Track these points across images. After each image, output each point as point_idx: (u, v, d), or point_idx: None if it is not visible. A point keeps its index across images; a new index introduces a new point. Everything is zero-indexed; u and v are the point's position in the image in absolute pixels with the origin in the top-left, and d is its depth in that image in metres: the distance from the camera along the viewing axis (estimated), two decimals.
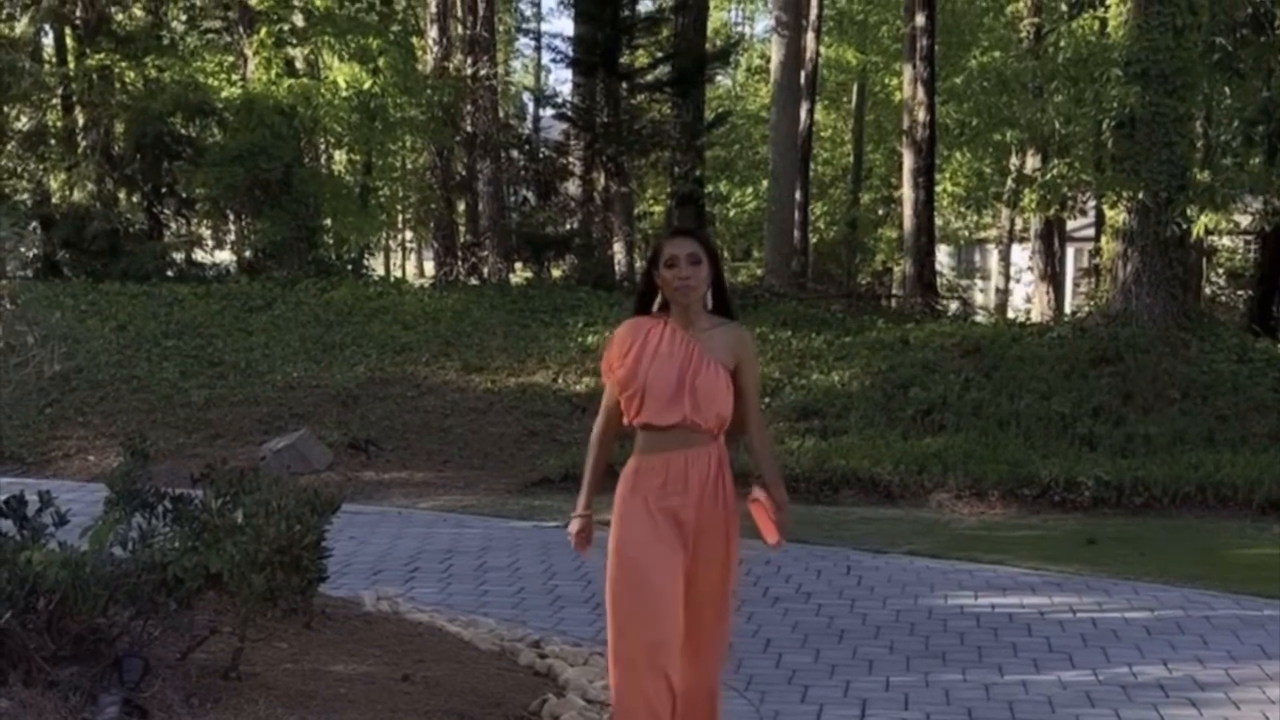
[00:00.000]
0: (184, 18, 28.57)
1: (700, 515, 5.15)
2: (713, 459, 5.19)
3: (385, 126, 26.48)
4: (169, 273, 24.16)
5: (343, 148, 28.99)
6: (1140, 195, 18.51)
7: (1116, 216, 19.29)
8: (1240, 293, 28.19)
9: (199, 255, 27.15)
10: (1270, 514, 13.34)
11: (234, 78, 26.01)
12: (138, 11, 27.21)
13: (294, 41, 24.60)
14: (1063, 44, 22.88)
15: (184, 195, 26.18)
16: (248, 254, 25.48)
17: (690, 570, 5.15)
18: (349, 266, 25.28)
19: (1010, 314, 31.44)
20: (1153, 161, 18.50)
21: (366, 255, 28.26)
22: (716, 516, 5.17)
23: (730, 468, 5.24)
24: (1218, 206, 19.02)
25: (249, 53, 24.50)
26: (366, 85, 24.50)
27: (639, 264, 29.48)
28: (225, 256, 28.19)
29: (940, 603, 9.31)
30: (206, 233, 28.06)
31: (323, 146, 28.73)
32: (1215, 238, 25.64)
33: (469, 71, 27.00)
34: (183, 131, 25.82)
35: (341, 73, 24.79)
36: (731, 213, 36.86)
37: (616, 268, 25.90)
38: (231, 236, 27.98)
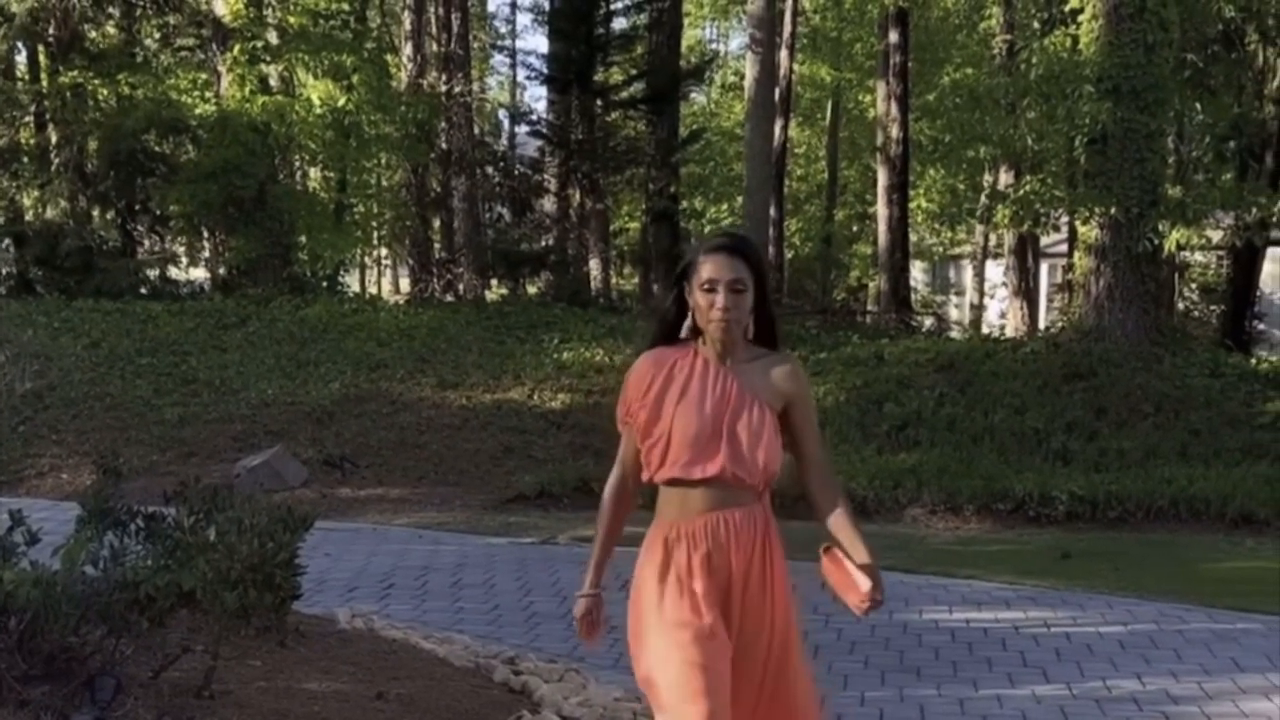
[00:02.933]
0: (157, 35, 28.50)
1: (746, 589, 4.19)
2: (758, 523, 4.21)
3: (360, 143, 26.47)
4: (143, 290, 24.08)
5: (317, 165, 28.99)
6: (1112, 211, 18.61)
7: (1089, 232, 19.38)
8: (1213, 308, 28.31)
9: (173, 272, 27.09)
10: (1243, 528, 13.41)
11: (208, 95, 25.97)
12: (111, 29, 27.16)
13: (268, 59, 24.57)
14: (1035, 61, 22.98)
15: (158, 212, 26.09)
16: (222, 271, 25.43)
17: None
18: (324, 283, 25.25)
19: (985, 329, 31.52)
20: (1125, 177, 18.60)
21: (341, 272, 28.24)
22: (763, 598, 4.21)
23: (775, 530, 4.28)
24: (1189, 222, 19.14)
25: (223, 70, 24.46)
26: (341, 102, 24.49)
27: (615, 280, 29.56)
28: (199, 274, 28.13)
29: (915, 618, 9.32)
30: (181, 250, 28.02)
31: (297, 163, 28.71)
32: (1187, 253, 25.78)
33: (443, 89, 27.01)
34: (156, 149, 25.75)
35: (316, 90, 24.78)
36: (706, 229, 36.88)
37: (592, 284, 25.91)
38: (206, 254, 27.92)
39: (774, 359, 4.29)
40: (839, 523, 4.28)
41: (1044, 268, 34.80)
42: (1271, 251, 25.77)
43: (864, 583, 4.12)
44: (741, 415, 4.16)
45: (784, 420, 4.24)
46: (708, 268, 4.16)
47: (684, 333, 4.26)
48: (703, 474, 4.15)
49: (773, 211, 28.84)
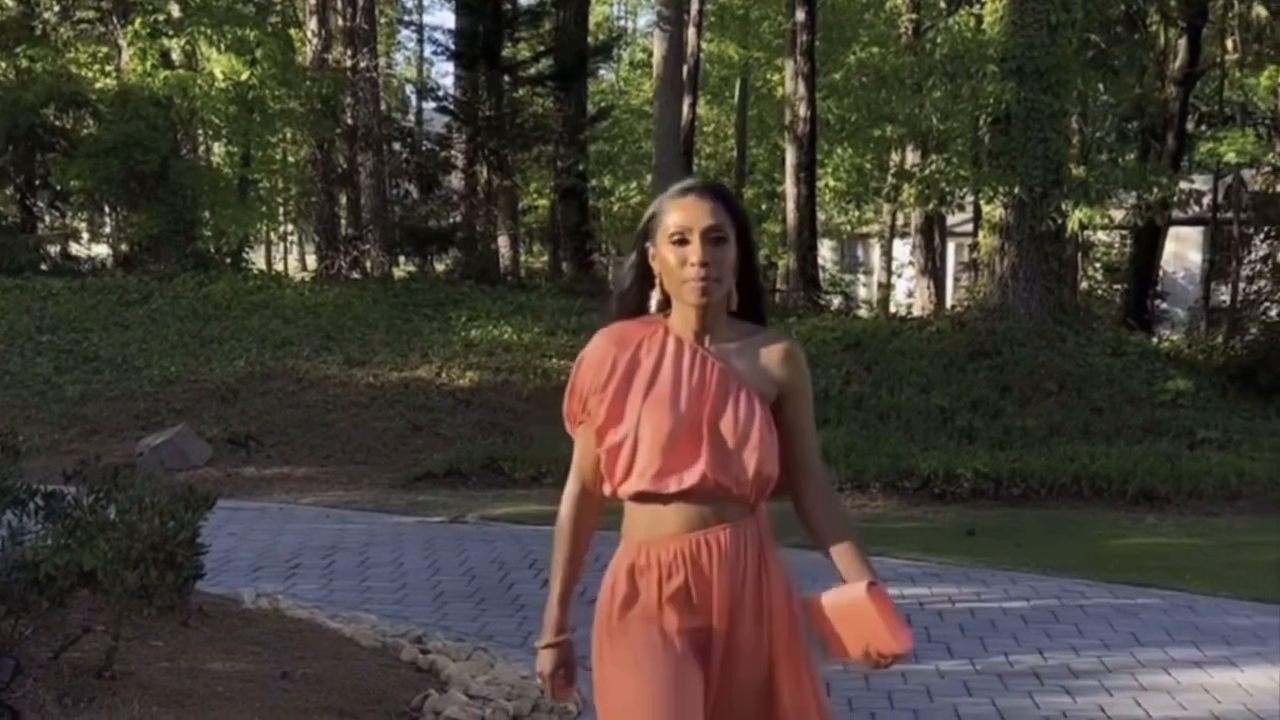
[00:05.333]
0: (57, 8, 27.99)
1: (734, 630, 3.32)
2: (750, 543, 3.32)
3: (264, 119, 26.16)
4: (43, 266, 23.76)
5: (221, 140, 28.64)
6: (1016, 190, 18.78)
7: (993, 211, 19.56)
8: (1116, 287, 28.66)
9: (74, 249, 26.70)
10: (1144, 505, 13.60)
11: (108, 69, 25.60)
12: (9, 1, 26.66)
13: (169, 32, 24.22)
14: (940, 40, 23.17)
15: (58, 188, 25.71)
16: (124, 247, 25.08)
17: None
18: (228, 260, 24.96)
19: (893, 308, 31.75)
20: (1028, 157, 18.77)
21: (246, 249, 27.92)
22: (759, 639, 3.34)
23: (774, 551, 3.41)
24: (1092, 201, 19.36)
25: (123, 44, 24.10)
26: (244, 77, 24.17)
27: (524, 258, 29.46)
28: (101, 250, 27.74)
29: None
30: (82, 226, 27.62)
31: (200, 139, 28.35)
32: (1091, 233, 26.07)
33: (349, 64, 26.74)
34: (56, 123, 25.37)
35: (219, 64, 24.43)
36: (615, 207, 36.86)
37: (500, 262, 25.82)
38: (107, 230, 27.53)
39: (765, 337, 3.39)
40: (846, 553, 3.43)
41: (950, 247, 35.09)
42: (1173, 231, 26.15)
43: (904, 637, 3.29)
44: (726, 408, 3.27)
45: (774, 415, 3.34)
46: (676, 214, 3.27)
47: (652, 306, 3.37)
48: (679, 486, 3.25)
49: None
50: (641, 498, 3.31)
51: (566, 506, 3.51)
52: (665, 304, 3.36)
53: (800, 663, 3.40)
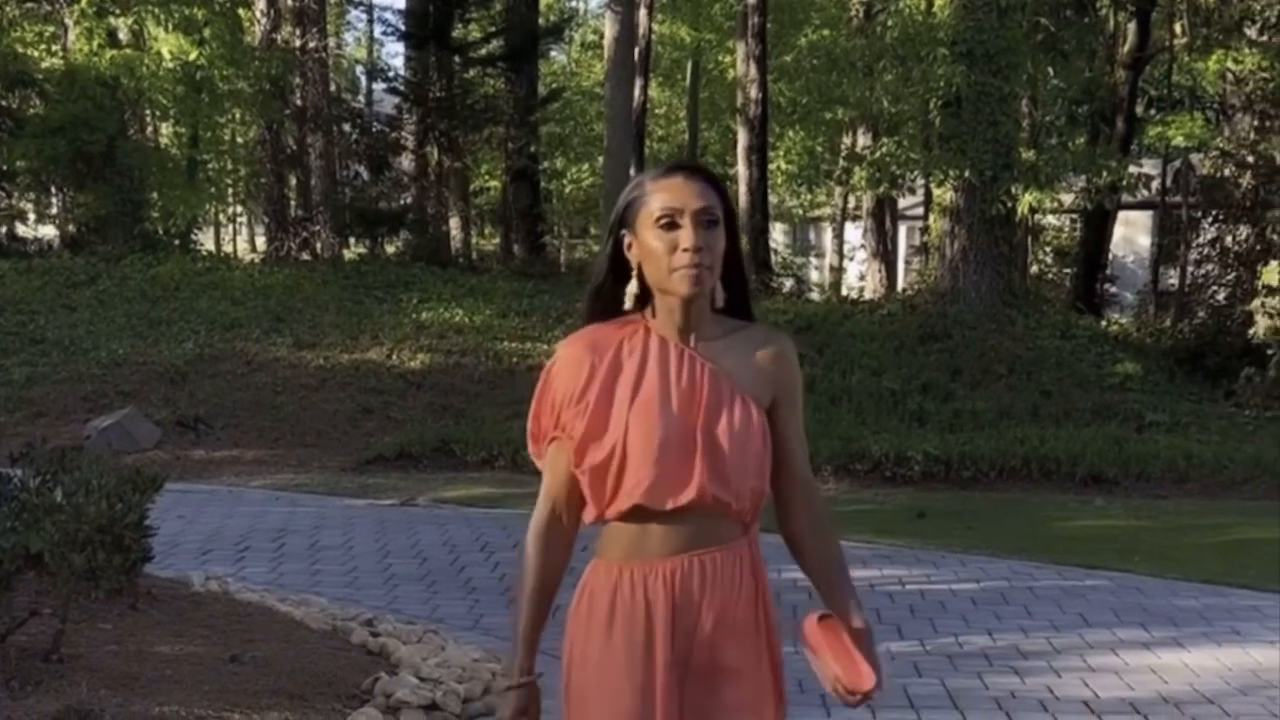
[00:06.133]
0: None
1: (725, 663, 2.96)
2: (744, 565, 2.99)
3: (212, 99, 25.99)
4: None
5: (169, 120, 28.42)
6: (966, 174, 18.86)
7: (944, 195, 19.63)
8: (1066, 271, 28.80)
9: (20, 230, 26.44)
10: (1092, 487, 13.70)
11: (54, 48, 25.35)
12: None
13: (116, 11, 23.99)
14: (891, 23, 23.17)
15: (3, 168, 25.43)
16: (71, 228, 24.89)
17: None
18: (176, 241, 24.79)
19: (844, 291, 31.81)
20: (978, 140, 18.84)
21: (194, 230, 27.75)
22: (757, 672, 3.02)
23: (766, 576, 3.07)
24: (1042, 185, 19.45)
25: (70, 22, 23.88)
26: (192, 56, 23.98)
27: (475, 240, 29.39)
28: (48, 231, 27.50)
29: (774, 576, 9.26)
30: (28, 206, 27.34)
31: (148, 119, 28.13)
32: (1041, 217, 26.19)
33: (298, 44, 26.57)
34: (1, 103, 25.09)
35: (166, 44, 24.23)
36: (567, 189, 36.80)
37: (452, 244, 25.73)
38: (54, 210, 27.30)
39: (755, 335, 3.02)
40: (830, 575, 3.08)
41: (902, 230, 35.17)
42: (1123, 215, 26.27)
43: (869, 675, 3.01)
44: (721, 414, 2.90)
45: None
46: (663, 195, 2.90)
47: (628, 301, 2.99)
48: (674, 502, 2.87)
49: (633, 172, 28.83)
50: (631, 515, 2.89)
51: (534, 538, 3.00)
52: (642, 299, 2.97)
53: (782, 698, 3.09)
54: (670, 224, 2.87)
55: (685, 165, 2.99)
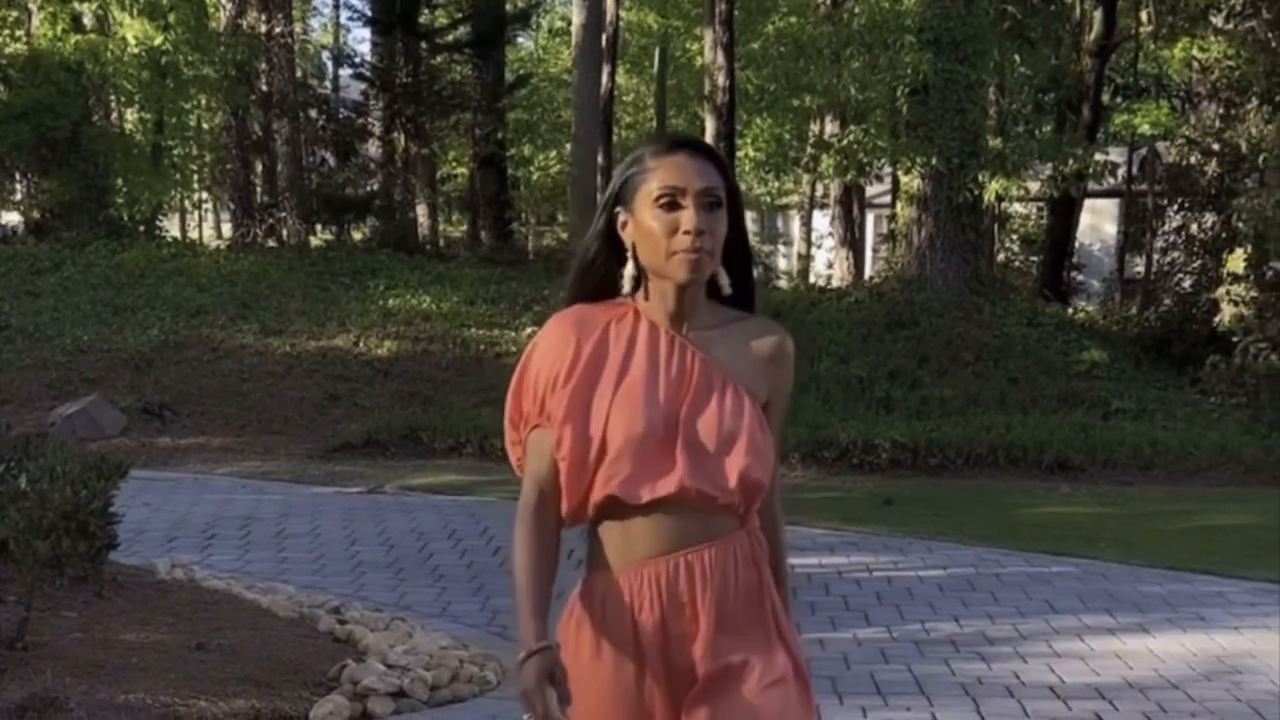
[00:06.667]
0: None
1: (724, 672, 2.72)
2: (741, 560, 2.77)
3: (177, 84, 25.85)
4: None
5: (134, 106, 28.26)
6: (933, 161, 18.89)
7: (911, 182, 19.66)
8: (1033, 259, 28.87)
9: None
10: (1058, 474, 13.76)
11: (18, 34, 25.16)
12: None
13: None
14: (858, 10, 23.14)
15: None
16: (35, 214, 24.72)
17: None
18: (141, 228, 24.66)
19: (812, 279, 31.82)
20: (945, 128, 18.88)
21: (160, 216, 27.61)
22: (755, 646, 2.76)
23: (770, 571, 2.88)
24: (1009, 173, 19.49)
25: (34, 7, 23.73)
26: (158, 42, 23.83)
27: (443, 227, 29.31)
28: (12, 217, 27.34)
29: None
30: None
31: (113, 104, 27.97)
32: (1008, 204, 26.25)
33: (264, 29, 26.44)
34: None
35: (131, 29, 24.07)
36: (535, 176, 36.75)
37: (419, 231, 25.67)
38: (18, 196, 27.13)
39: (753, 327, 2.87)
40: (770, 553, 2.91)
41: (870, 218, 35.22)
42: (1089, 203, 26.35)
43: None
44: (707, 404, 2.74)
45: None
46: (664, 173, 2.73)
47: (626, 284, 2.81)
48: (651, 494, 2.69)
49: (601, 159, 28.79)
50: (608, 511, 2.71)
51: (524, 520, 2.78)
52: (638, 283, 2.79)
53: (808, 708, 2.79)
54: (671, 204, 2.71)
55: (689, 141, 2.84)
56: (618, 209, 2.79)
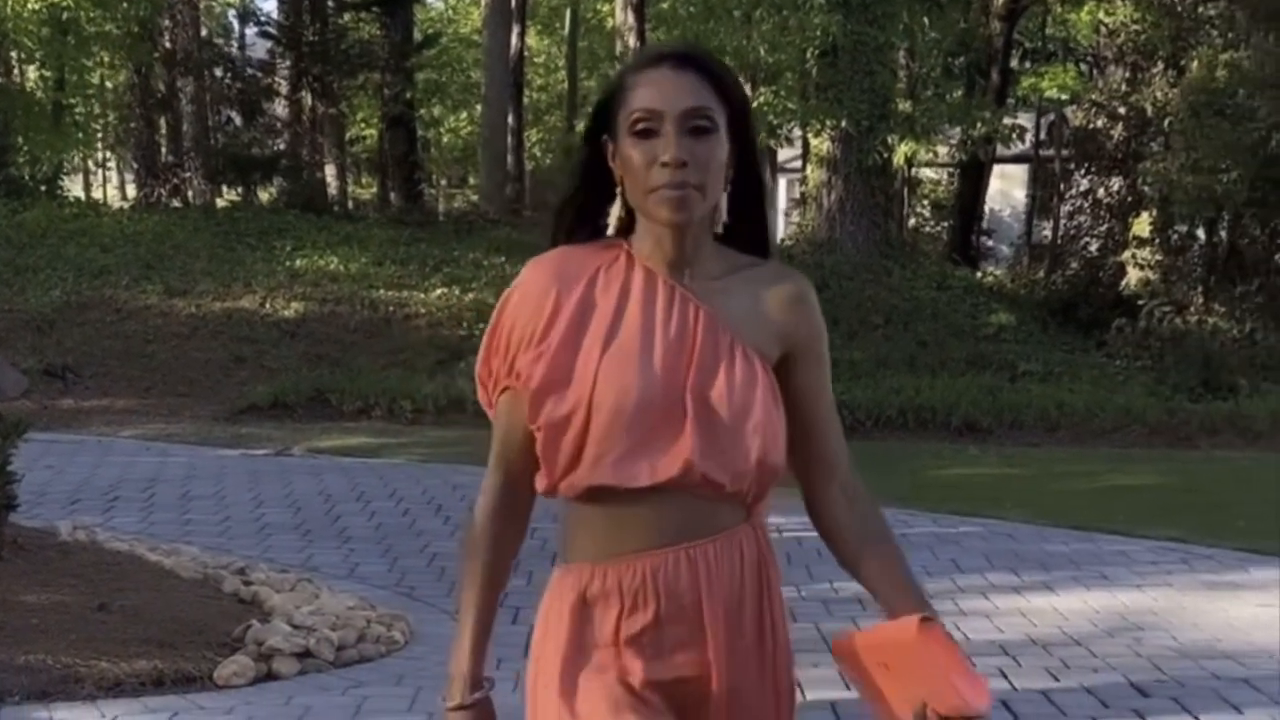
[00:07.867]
0: None
1: (728, 681, 2.30)
2: (747, 558, 2.35)
3: (78, 41, 25.42)
4: None
5: (34, 63, 27.77)
6: (843, 123, 18.94)
7: (821, 145, 19.72)
8: (943, 224, 29.09)
9: None
10: (966, 436, 13.88)
11: None
12: None
13: None
14: None
15: None
16: None
17: None
18: (43, 187, 24.28)
19: None
20: (855, 90, 18.94)
21: (62, 176, 27.19)
22: (761, 693, 2.35)
23: (778, 572, 2.46)
24: (918, 136, 19.58)
25: None
26: None
27: (351, 188, 29.08)
28: None
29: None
30: None
31: (13, 61, 27.47)
32: (918, 169, 26.40)
33: None
34: None
35: None
36: (445, 138, 36.54)
37: (328, 191, 25.45)
38: None
39: (765, 274, 2.35)
40: (889, 577, 2.52)
41: (781, 183, 35.30)
42: (999, 169, 26.56)
43: (978, 688, 2.32)
44: (718, 371, 2.25)
45: (780, 382, 2.33)
46: (643, 92, 2.23)
47: (610, 223, 2.33)
48: (652, 478, 2.22)
49: (511, 120, 28.67)
50: (595, 496, 2.25)
51: (484, 511, 2.38)
52: (629, 224, 2.32)
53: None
54: (648, 130, 2.21)
55: (675, 52, 2.29)
56: (604, 137, 2.29)
